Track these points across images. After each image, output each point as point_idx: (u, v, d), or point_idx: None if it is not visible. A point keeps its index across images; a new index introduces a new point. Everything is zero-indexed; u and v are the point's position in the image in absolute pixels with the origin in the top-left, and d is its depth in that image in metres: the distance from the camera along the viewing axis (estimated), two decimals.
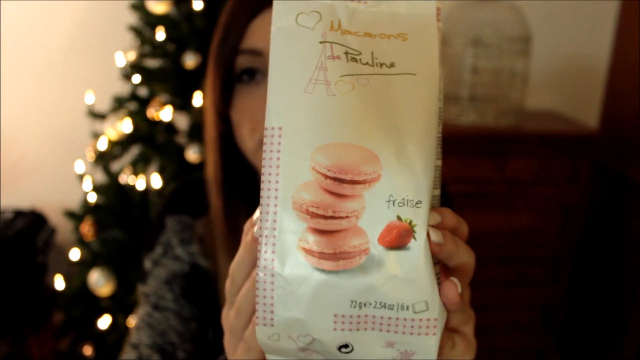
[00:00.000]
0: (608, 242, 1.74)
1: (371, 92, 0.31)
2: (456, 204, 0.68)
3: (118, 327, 1.41)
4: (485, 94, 1.54)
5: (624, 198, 1.66)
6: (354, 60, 0.31)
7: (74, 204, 1.52)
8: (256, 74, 0.56)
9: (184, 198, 0.71)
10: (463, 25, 1.54)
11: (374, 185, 0.29)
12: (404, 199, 0.29)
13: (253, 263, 0.34)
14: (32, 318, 1.64)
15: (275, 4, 0.33)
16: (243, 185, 0.64)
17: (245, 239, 0.34)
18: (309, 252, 0.29)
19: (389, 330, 0.31)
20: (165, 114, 1.34)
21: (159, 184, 1.36)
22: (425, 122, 0.31)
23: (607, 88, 1.85)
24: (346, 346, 0.32)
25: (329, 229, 0.29)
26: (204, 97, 0.64)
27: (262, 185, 0.31)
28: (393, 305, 0.30)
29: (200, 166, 1.30)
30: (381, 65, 0.31)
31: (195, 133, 1.35)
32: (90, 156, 1.41)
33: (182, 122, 1.44)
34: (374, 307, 0.30)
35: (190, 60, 1.29)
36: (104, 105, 1.47)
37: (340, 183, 0.29)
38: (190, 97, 1.33)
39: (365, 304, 0.30)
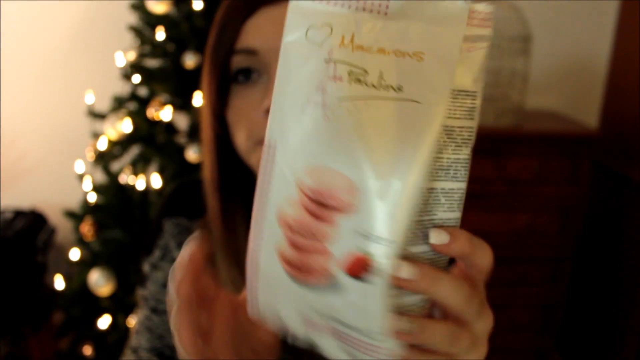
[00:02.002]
0: (608, 242, 1.74)
1: (367, 119, 0.30)
2: None
3: (118, 327, 1.41)
4: (485, 93, 1.53)
5: (624, 198, 1.66)
6: (358, 81, 0.30)
7: (74, 204, 1.52)
8: (252, 74, 0.55)
9: (182, 200, 0.71)
10: None
11: (349, 216, 0.30)
12: (375, 235, 0.29)
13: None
14: (32, 318, 1.64)
15: (289, 14, 0.32)
16: (240, 186, 0.64)
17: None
18: (282, 257, 0.33)
19: (346, 343, 0.33)
20: (165, 114, 1.34)
21: (159, 184, 1.36)
22: (418, 159, 0.29)
23: (607, 88, 1.85)
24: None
25: (301, 245, 0.32)
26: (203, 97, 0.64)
27: (257, 188, 0.34)
28: (351, 326, 0.32)
29: (200, 166, 1.30)
30: (388, 88, 0.30)
31: (195, 133, 1.35)
32: (90, 156, 1.41)
33: (182, 122, 1.44)
34: (333, 322, 0.33)
35: (190, 60, 1.29)
36: (104, 105, 1.47)
37: (318, 206, 0.31)
38: (190, 97, 1.33)
39: (326, 317, 0.33)
